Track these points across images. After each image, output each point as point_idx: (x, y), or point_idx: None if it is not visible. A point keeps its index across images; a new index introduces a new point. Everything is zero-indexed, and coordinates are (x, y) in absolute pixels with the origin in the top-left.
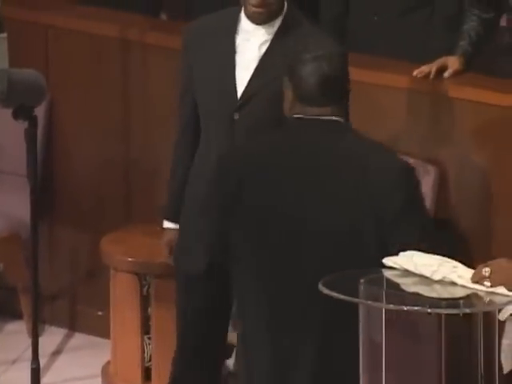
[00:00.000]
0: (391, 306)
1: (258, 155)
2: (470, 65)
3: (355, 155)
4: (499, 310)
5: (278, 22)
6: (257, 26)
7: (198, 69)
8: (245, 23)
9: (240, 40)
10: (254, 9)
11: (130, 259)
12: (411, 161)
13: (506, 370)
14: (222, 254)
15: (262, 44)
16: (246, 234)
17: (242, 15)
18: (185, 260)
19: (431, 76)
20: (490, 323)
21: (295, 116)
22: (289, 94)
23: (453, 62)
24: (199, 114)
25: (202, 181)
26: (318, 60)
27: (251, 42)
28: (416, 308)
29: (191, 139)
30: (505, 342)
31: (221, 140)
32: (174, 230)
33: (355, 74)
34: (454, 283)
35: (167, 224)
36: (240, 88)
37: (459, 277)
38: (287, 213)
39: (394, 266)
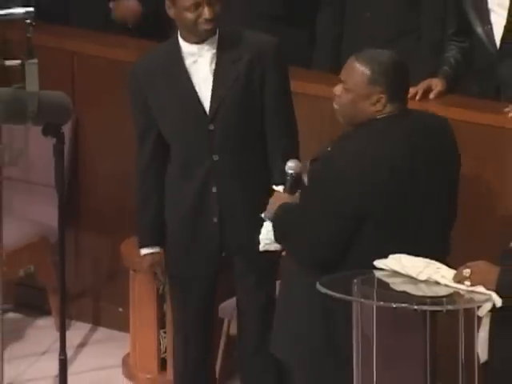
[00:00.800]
0: (382, 304)
1: (399, 155)
2: (452, 87)
3: (439, 131)
4: (478, 307)
5: (215, 36)
6: (199, 46)
7: (159, 104)
8: (186, 47)
9: (189, 63)
10: (205, 26)
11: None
12: None
13: (482, 360)
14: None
15: (211, 58)
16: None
17: (181, 42)
18: (181, 265)
19: (417, 97)
20: (470, 318)
21: (387, 115)
22: (374, 98)
23: (436, 84)
24: (169, 143)
25: (188, 197)
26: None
27: (199, 61)
28: (404, 305)
29: (159, 170)
30: (481, 334)
31: (201, 154)
32: (154, 253)
33: None
34: (437, 283)
35: (146, 251)
36: (206, 103)
37: (442, 277)
38: (419, 192)
39: (384, 267)
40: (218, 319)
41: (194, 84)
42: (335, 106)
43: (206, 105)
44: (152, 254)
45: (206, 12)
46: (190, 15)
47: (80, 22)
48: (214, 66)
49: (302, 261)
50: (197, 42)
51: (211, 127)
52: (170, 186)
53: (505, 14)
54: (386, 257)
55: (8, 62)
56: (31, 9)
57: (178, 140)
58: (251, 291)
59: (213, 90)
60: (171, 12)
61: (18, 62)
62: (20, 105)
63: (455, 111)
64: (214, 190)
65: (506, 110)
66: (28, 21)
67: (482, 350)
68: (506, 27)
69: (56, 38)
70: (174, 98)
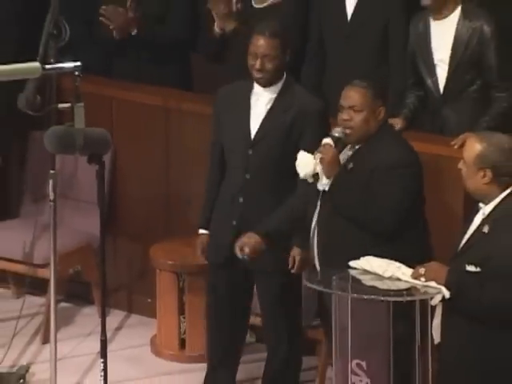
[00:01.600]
0: (355, 296)
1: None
2: (409, 125)
3: None
4: (431, 298)
5: (279, 86)
6: (264, 89)
7: (225, 121)
8: (256, 87)
9: (253, 100)
10: (256, 75)
11: (170, 262)
12: None
13: (436, 342)
14: None
15: (268, 102)
16: None
17: (255, 83)
18: (210, 253)
19: None
20: (425, 307)
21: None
22: (380, 113)
23: (398, 123)
24: (224, 153)
25: (227, 198)
26: None
27: (260, 101)
28: (373, 297)
29: (218, 174)
30: (435, 321)
31: (238, 171)
32: (204, 234)
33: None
34: (399, 279)
35: (200, 231)
36: (253, 132)
37: (403, 274)
38: None
39: (357, 267)
40: None
41: (251, 116)
42: (347, 131)
43: (253, 133)
44: (203, 234)
45: (258, 63)
46: (250, 61)
47: (117, 74)
48: (268, 108)
49: (379, 225)
50: (263, 85)
51: (250, 152)
52: (221, 188)
53: (446, 67)
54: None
55: (61, 105)
56: (79, 63)
57: (227, 155)
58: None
59: (261, 124)
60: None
61: (69, 105)
62: (70, 139)
63: (412, 143)
64: (241, 200)
65: (453, 143)
66: (76, 73)
67: (436, 334)
68: (447, 78)
69: (98, 86)
70: (234, 122)
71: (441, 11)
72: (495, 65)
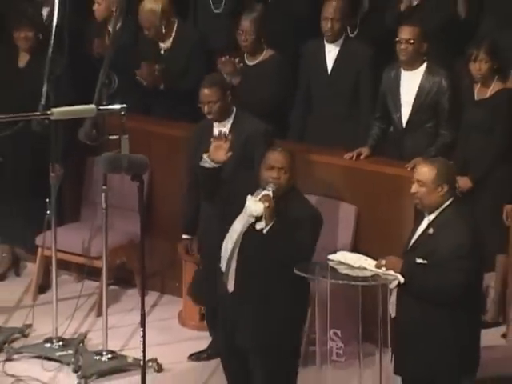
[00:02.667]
0: (332, 281)
1: None
2: (374, 152)
3: None
4: (390, 283)
5: (230, 120)
6: (218, 123)
7: (198, 149)
8: (215, 124)
9: (215, 132)
10: (208, 116)
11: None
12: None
13: (392, 315)
14: None
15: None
16: None
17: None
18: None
19: (353, 158)
20: (385, 290)
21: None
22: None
23: (364, 151)
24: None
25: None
26: None
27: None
28: (346, 282)
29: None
30: (392, 299)
31: None
32: (187, 239)
33: (314, 156)
34: (365, 268)
35: (184, 236)
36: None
37: (369, 265)
38: None
39: (334, 259)
40: None
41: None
42: (275, 187)
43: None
44: (187, 239)
45: (205, 108)
46: (202, 107)
47: (152, 114)
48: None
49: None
50: (215, 121)
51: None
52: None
53: (410, 108)
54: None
55: (110, 137)
56: (124, 105)
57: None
58: None
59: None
60: None
61: (116, 136)
62: (118, 162)
63: (376, 167)
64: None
65: (407, 166)
66: (122, 112)
67: (392, 309)
68: (410, 115)
69: (138, 123)
70: (203, 151)
71: (411, 65)
72: (447, 109)
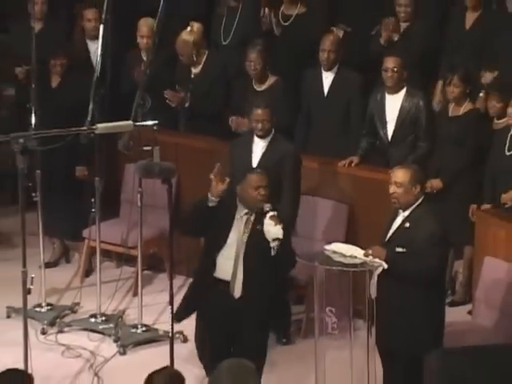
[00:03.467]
0: (327, 267)
1: None
2: (364, 161)
3: None
4: (376, 269)
5: (268, 138)
6: (260, 139)
7: (234, 165)
8: (255, 138)
9: (254, 146)
10: (255, 132)
11: None
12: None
13: (373, 296)
14: None
15: (263, 147)
16: None
17: (255, 136)
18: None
19: (346, 165)
20: (371, 275)
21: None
22: None
23: (355, 160)
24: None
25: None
26: None
27: (259, 145)
28: (339, 268)
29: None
30: (372, 282)
31: None
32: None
33: (315, 164)
34: (355, 257)
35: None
36: (254, 165)
37: (358, 253)
38: None
39: (329, 249)
40: None
41: (252, 158)
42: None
43: (254, 165)
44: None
45: (259, 126)
46: (253, 123)
47: (180, 128)
48: (264, 151)
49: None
50: (259, 137)
51: None
52: None
53: (394, 124)
54: None
55: (145, 148)
56: (156, 121)
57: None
58: None
59: (259, 162)
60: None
61: (150, 147)
62: (151, 169)
63: (364, 173)
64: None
65: (390, 171)
66: (154, 127)
67: (372, 290)
68: (393, 131)
69: (168, 136)
70: (241, 164)
71: (394, 90)
72: (424, 125)
